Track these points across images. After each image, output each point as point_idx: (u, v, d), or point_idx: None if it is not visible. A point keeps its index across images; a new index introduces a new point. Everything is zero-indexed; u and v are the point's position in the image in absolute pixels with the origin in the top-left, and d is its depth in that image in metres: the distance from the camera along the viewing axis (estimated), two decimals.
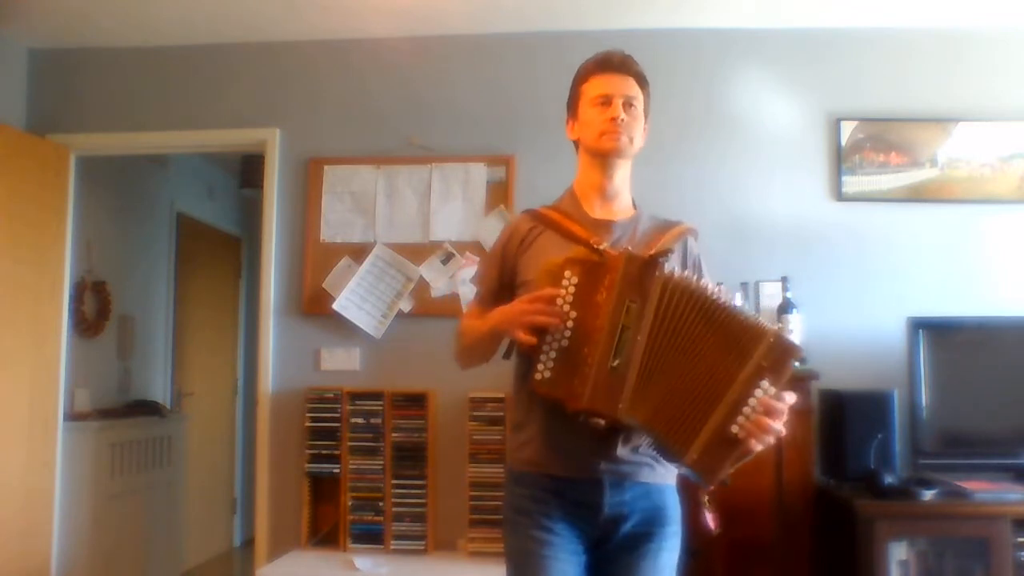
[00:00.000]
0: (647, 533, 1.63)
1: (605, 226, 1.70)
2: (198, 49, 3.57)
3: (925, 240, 3.23)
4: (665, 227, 1.73)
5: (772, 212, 3.27)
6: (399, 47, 3.48)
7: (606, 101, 1.68)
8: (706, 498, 1.56)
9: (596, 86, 1.70)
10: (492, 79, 3.42)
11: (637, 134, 1.71)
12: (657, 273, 1.50)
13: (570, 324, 1.51)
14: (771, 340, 1.47)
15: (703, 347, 1.49)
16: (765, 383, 1.46)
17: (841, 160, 3.26)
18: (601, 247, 1.59)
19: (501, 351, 1.72)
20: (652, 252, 1.56)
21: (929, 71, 3.29)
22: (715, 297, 1.50)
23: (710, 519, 1.56)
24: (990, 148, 3.23)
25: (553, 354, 1.52)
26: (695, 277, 1.55)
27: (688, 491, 1.69)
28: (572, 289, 1.52)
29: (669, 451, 1.53)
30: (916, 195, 3.24)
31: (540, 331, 1.52)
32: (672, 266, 1.58)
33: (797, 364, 1.55)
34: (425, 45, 3.47)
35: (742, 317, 1.50)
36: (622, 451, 1.60)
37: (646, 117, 1.74)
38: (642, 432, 1.55)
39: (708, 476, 1.49)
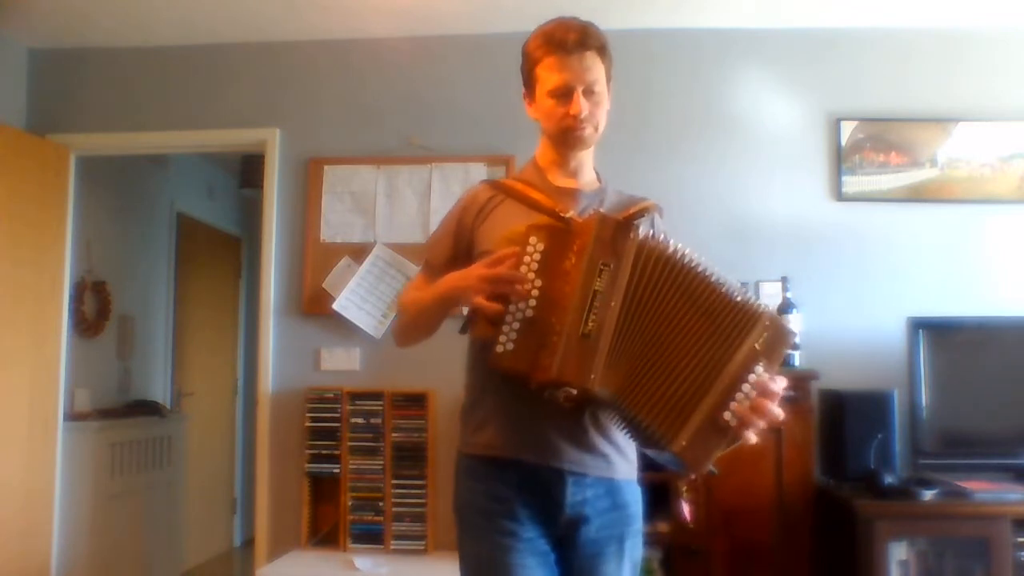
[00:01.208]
0: (610, 536, 1.54)
1: (571, 194, 1.59)
2: (198, 49, 3.57)
3: (925, 240, 3.23)
4: (631, 202, 1.63)
5: (772, 212, 3.27)
6: (399, 47, 3.48)
7: (566, 93, 1.55)
8: (684, 488, 1.48)
9: (553, 73, 1.55)
10: (492, 79, 3.41)
11: (602, 119, 1.60)
12: (632, 235, 1.39)
13: (535, 293, 1.39)
14: (766, 323, 1.37)
15: (685, 318, 1.39)
16: (759, 368, 1.36)
17: (841, 160, 3.26)
18: (567, 215, 1.48)
19: (451, 325, 1.58)
20: (627, 214, 1.46)
21: (929, 71, 3.29)
22: (696, 265, 1.40)
23: (686, 510, 1.49)
24: (990, 148, 3.23)
25: (516, 325, 1.38)
26: (675, 244, 1.42)
27: (668, 480, 1.60)
28: (537, 256, 1.40)
29: (654, 436, 1.39)
30: (916, 195, 3.24)
31: (502, 299, 1.39)
32: (648, 230, 1.47)
33: (791, 350, 1.45)
34: (425, 45, 3.47)
35: (731, 293, 1.39)
36: (591, 434, 1.50)
37: (608, 83, 1.60)
38: (618, 409, 1.42)
39: (695, 465, 1.38)
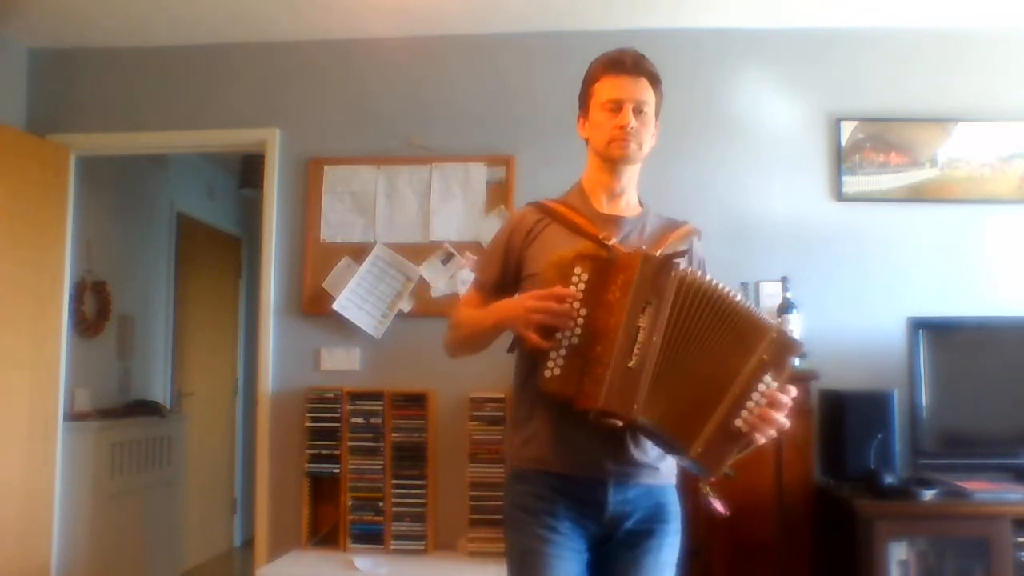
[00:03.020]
0: (648, 530, 1.63)
1: (614, 221, 1.70)
2: (198, 49, 3.57)
3: (925, 240, 3.23)
4: (672, 227, 1.74)
5: (772, 212, 3.27)
6: (399, 47, 3.48)
7: (616, 107, 1.67)
8: (707, 488, 1.56)
9: (607, 89, 1.69)
10: (492, 79, 3.42)
11: (646, 139, 1.71)
12: (672, 273, 1.50)
13: (580, 322, 1.50)
14: (773, 336, 1.50)
15: (713, 345, 1.51)
16: (768, 377, 1.48)
17: (841, 160, 3.26)
18: (610, 243, 1.59)
19: (501, 344, 1.70)
20: (669, 253, 1.57)
21: (929, 71, 3.29)
22: (726, 296, 1.51)
23: (718, 504, 1.58)
24: (990, 148, 3.23)
25: (563, 351, 1.51)
26: (707, 276, 1.55)
27: (688, 483, 1.71)
28: (582, 286, 1.51)
29: (674, 445, 1.54)
30: (916, 195, 3.24)
31: (549, 330, 1.51)
32: (685, 266, 1.57)
33: (797, 361, 1.56)
34: (425, 45, 3.47)
35: (748, 313, 1.52)
36: (631, 450, 1.60)
37: (657, 116, 1.74)
38: (652, 430, 1.55)
39: (711, 468, 1.51)
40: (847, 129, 3.27)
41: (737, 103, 3.33)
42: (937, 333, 2.97)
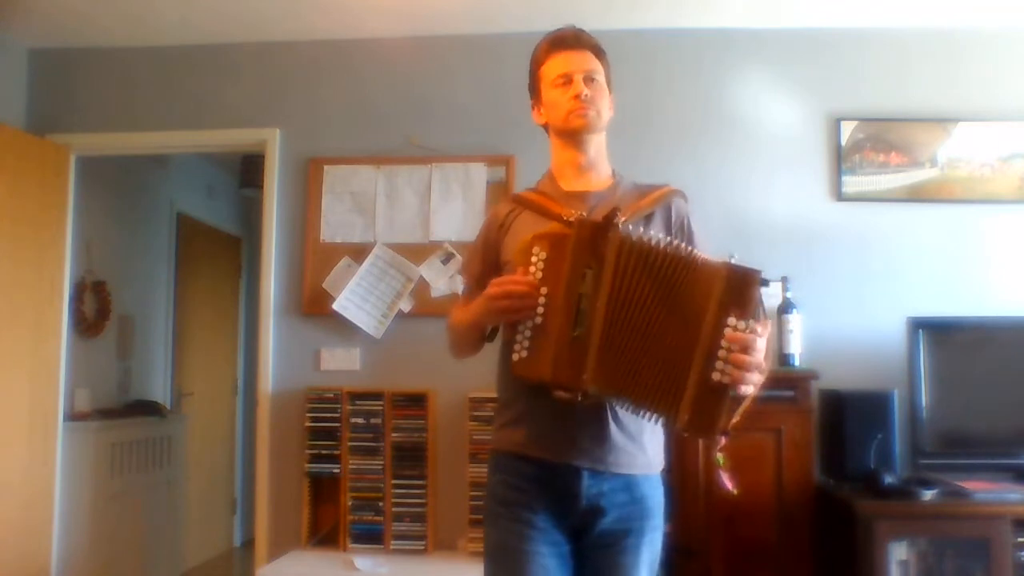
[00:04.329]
0: (626, 529, 1.59)
1: (579, 197, 1.67)
2: (198, 49, 3.57)
3: (925, 240, 3.22)
4: (647, 191, 1.70)
5: (772, 212, 3.27)
6: (399, 47, 3.48)
7: (567, 80, 1.67)
8: (719, 456, 1.47)
9: (554, 66, 1.69)
10: (492, 79, 3.41)
11: (604, 106, 1.69)
12: (611, 235, 1.45)
13: (542, 300, 1.48)
14: (724, 274, 1.40)
15: (665, 305, 1.43)
16: (732, 319, 1.38)
17: (841, 160, 3.26)
18: (572, 219, 1.53)
19: (500, 343, 1.69)
20: (607, 215, 1.49)
21: (929, 71, 3.29)
22: (672, 251, 1.44)
23: (727, 480, 1.50)
24: (990, 148, 3.23)
25: (528, 332, 1.49)
26: (653, 236, 1.48)
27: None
28: (541, 264, 1.49)
29: (659, 419, 1.48)
30: (916, 195, 3.24)
31: (516, 312, 1.49)
32: (631, 227, 1.49)
33: (763, 287, 1.40)
34: (425, 45, 3.47)
35: (695, 261, 1.43)
36: (610, 429, 1.56)
37: (610, 88, 1.73)
38: (618, 402, 1.50)
39: (707, 432, 1.42)
40: (847, 129, 3.27)
41: (737, 103, 3.33)
42: (937, 333, 2.97)
